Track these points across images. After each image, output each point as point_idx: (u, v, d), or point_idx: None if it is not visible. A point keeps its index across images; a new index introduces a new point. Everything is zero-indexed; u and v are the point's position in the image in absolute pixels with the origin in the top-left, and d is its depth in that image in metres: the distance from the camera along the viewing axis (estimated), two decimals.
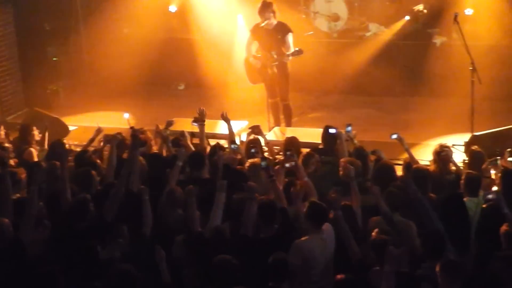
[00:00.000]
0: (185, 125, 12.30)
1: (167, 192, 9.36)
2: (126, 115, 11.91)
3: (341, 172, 9.66)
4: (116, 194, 9.03)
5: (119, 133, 11.41)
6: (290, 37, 13.59)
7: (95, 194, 9.42)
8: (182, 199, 9.18)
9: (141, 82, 16.56)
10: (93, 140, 11.91)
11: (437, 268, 7.17)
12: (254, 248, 8.28)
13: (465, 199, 9.17)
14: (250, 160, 10.26)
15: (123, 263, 7.91)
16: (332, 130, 11.01)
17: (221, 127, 13.12)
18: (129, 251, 8.34)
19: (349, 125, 11.21)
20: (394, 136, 10.89)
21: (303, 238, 8.13)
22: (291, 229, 8.56)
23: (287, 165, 9.65)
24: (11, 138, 12.66)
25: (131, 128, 11.36)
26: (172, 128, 12.08)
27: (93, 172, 9.98)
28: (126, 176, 9.47)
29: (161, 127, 11.89)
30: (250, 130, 11.84)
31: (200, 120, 11.72)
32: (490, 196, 8.68)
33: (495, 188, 9.44)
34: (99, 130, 11.99)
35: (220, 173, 9.80)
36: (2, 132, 12.48)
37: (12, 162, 11.11)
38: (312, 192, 9.41)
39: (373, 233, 8.02)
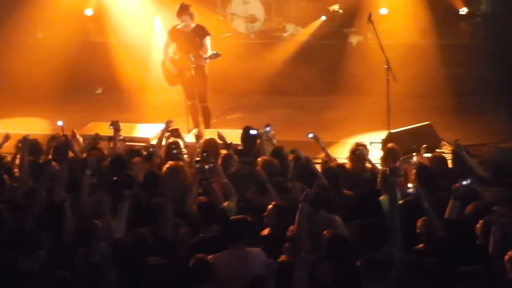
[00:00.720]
0: (103, 129, 12.16)
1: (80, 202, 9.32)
2: (60, 123, 11.67)
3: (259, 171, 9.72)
4: (34, 203, 8.97)
5: (28, 136, 11.30)
6: (208, 40, 13.59)
7: (13, 203, 9.32)
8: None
9: (58, 87, 16.36)
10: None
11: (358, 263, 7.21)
12: (195, 249, 8.18)
13: (382, 196, 9.29)
14: (168, 163, 10.23)
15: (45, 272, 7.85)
16: (253, 131, 11.07)
17: (138, 131, 13.11)
18: (49, 260, 8.22)
19: (267, 125, 11.24)
20: (310, 135, 10.99)
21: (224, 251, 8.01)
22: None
23: (206, 167, 9.65)
24: None
25: (64, 135, 11.30)
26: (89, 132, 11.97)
27: (5, 176, 9.89)
28: (45, 183, 9.43)
29: (77, 131, 11.80)
30: (169, 133, 11.81)
31: (116, 124, 11.69)
32: (410, 191, 8.77)
33: (410, 185, 9.56)
34: (6, 137, 11.76)
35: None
36: None
37: None
38: (231, 192, 9.48)
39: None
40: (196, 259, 7.63)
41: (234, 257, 7.91)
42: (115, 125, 11.66)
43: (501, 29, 15.28)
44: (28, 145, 10.63)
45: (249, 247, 8.05)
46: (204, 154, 9.99)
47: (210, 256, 7.76)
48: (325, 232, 7.80)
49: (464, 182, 8.32)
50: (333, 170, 9.95)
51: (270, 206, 8.60)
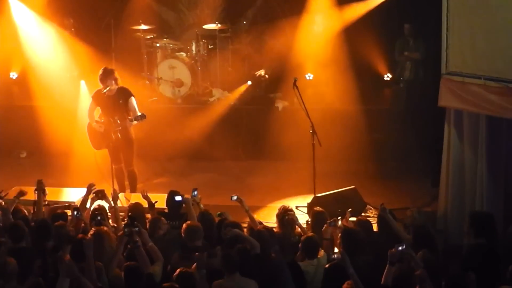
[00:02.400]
0: (29, 193, 11.98)
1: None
2: None
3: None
4: None
5: None
6: (133, 101, 13.56)
7: None
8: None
9: None
10: None
11: None
12: None
13: (304, 262, 9.32)
14: (94, 228, 10.13)
15: None
16: (178, 197, 11.06)
17: (62, 195, 12.99)
18: None
19: (194, 189, 11.28)
20: (234, 198, 11.06)
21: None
22: None
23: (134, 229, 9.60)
24: None
25: None
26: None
27: None
28: None
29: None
30: (94, 194, 11.71)
31: (40, 188, 11.58)
32: (334, 256, 8.81)
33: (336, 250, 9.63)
34: None
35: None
36: None
37: None
38: (157, 256, 9.42)
39: None
40: None
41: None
42: (40, 185, 11.59)
43: (422, 96, 15.52)
44: None
45: None
46: (130, 217, 9.97)
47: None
48: None
49: (400, 248, 8.40)
50: (260, 232, 9.95)
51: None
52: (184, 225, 9.93)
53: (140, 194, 12.60)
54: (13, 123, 16.78)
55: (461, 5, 11.66)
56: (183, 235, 9.70)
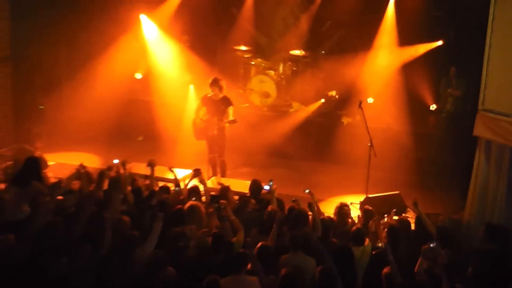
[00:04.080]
0: (141, 168, 12.32)
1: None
2: (116, 161, 11.80)
3: (265, 217, 9.84)
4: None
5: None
6: (230, 110, 13.70)
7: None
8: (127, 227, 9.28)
9: (108, 132, 16.46)
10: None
11: None
12: (202, 270, 8.26)
13: (353, 247, 9.40)
14: (189, 202, 10.35)
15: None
16: (266, 187, 11.15)
17: (168, 173, 13.19)
18: (88, 265, 8.28)
19: (270, 180, 11.34)
20: (307, 191, 11.07)
21: (225, 279, 8.06)
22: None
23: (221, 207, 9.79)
24: (2, 166, 12.60)
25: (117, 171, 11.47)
26: (130, 170, 11.99)
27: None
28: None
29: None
30: (193, 172, 11.85)
31: (152, 164, 11.79)
32: (379, 245, 8.87)
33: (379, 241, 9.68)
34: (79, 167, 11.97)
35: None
36: None
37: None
38: (239, 227, 9.60)
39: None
40: (210, 278, 7.71)
41: (234, 282, 7.99)
42: (152, 164, 11.82)
43: (460, 125, 15.42)
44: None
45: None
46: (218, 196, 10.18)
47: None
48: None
49: (431, 245, 8.45)
50: (325, 221, 10.06)
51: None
52: (269, 208, 10.06)
53: (228, 179, 12.83)
54: (135, 113, 17.10)
55: (500, 54, 11.60)
56: (265, 216, 9.82)
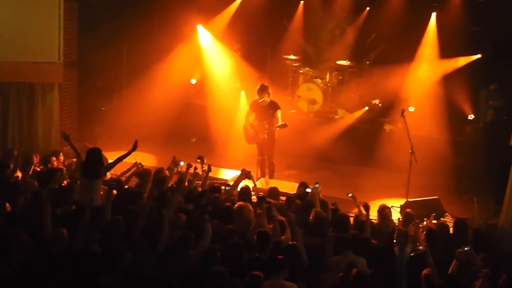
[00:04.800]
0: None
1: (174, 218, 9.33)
2: (182, 163, 11.81)
3: (310, 218, 9.71)
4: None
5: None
6: (279, 113, 13.66)
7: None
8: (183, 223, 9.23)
9: (163, 133, 16.47)
10: (129, 170, 11.94)
11: None
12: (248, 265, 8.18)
13: (395, 248, 9.24)
14: (238, 203, 10.29)
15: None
16: (308, 189, 11.05)
17: (220, 173, 13.16)
18: (145, 259, 8.26)
19: (316, 183, 11.26)
20: (350, 195, 10.96)
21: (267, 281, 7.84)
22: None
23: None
24: (66, 163, 12.66)
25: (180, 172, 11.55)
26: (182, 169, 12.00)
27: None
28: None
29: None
30: (242, 172, 11.81)
31: (202, 158, 11.77)
32: (420, 248, 8.70)
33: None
34: (136, 164, 12.01)
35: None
36: (61, 158, 12.49)
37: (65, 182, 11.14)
38: (286, 227, 9.43)
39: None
40: (253, 274, 7.60)
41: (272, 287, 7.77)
42: (201, 158, 11.80)
43: (496, 135, 15.23)
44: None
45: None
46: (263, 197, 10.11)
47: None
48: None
49: (466, 248, 8.28)
50: (363, 223, 9.93)
51: None
52: (313, 210, 9.95)
53: (276, 181, 12.73)
54: (189, 116, 17.10)
55: None
56: (311, 217, 9.70)
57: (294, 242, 8.61)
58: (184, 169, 11.65)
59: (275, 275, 7.80)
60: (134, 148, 11.14)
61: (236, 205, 10.15)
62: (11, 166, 11.31)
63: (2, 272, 7.41)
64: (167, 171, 11.79)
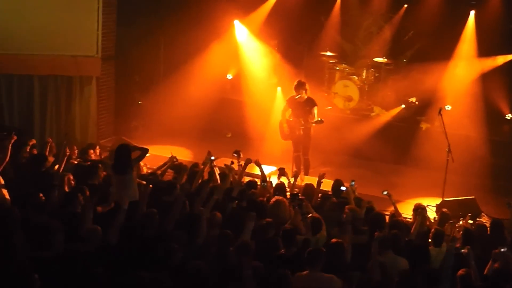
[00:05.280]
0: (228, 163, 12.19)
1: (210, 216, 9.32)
2: (212, 158, 11.82)
3: (344, 215, 9.67)
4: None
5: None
6: (315, 110, 13.62)
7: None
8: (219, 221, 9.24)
9: (199, 127, 16.57)
10: (165, 164, 12.01)
11: None
12: (275, 261, 8.19)
13: (430, 247, 9.17)
14: (274, 198, 10.32)
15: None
16: (343, 187, 11.02)
17: (255, 169, 13.15)
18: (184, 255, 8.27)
19: (353, 180, 11.24)
20: (385, 193, 10.92)
21: (303, 273, 7.82)
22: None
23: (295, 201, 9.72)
24: (102, 156, 12.77)
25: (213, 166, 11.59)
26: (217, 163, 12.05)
27: None
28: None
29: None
30: (278, 170, 11.88)
31: (238, 152, 11.82)
32: (462, 250, 8.57)
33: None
34: (171, 158, 12.10)
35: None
36: (98, 151, 12.59)
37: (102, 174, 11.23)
38: (321, 225, 9.41)
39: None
40: (280, 272, 7.58)
41: (310, 278, 7.78)
42: (238, 152, 11.84)
43: None
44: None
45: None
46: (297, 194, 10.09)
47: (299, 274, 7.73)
48: None
49: (502, 249, 8.19)
50: (398, 222, 9.87)
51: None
52: (347, 207, 9.92)
53: (311, 177, 12.72)
54: (225, 111, 17.16)
55: None
56: (344, 215, 9.66)
57: (339, 240, 8.49)
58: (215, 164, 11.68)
59: (312, 267, 7.79)
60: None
61: (272, 200, 10.19)
62: (49, 158, 11.41)
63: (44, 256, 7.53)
64: (201, 166, 11.82)
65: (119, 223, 8.39)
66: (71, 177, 10.54)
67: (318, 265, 7.83)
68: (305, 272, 7.79)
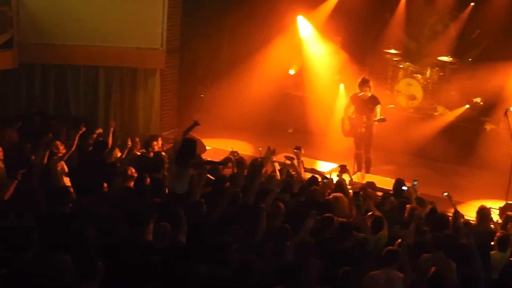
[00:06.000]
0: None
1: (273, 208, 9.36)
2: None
3: (405, 215, 9.61)
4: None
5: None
6: (378, 108, 13.59)
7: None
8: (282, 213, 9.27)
9: (261, 122, 16.61)
10: (226, 158, 12.08)
11: None
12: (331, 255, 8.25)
13: (494, 251, 9.02)
14: (333, 194, 10.32)
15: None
16: (404, 187, 10.94)
17: (316, 166, 13.15)
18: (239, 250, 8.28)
19: (415, 180, 11.14)
20: (445, 194, 10.79)
21: (374, 272, 7.86)
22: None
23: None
24: (164, 148, 12.89)
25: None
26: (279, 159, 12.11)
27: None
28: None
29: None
30: (340, 167, 11.86)
31: (299, 149, 11.89)
32: None
33: None
34: (233, 153, 12.18)
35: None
36: (160, 143, 12.71)
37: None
38: (382, 224, 9.34)
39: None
40: (345, 270, 7.56)
41: (383, 276, 7.81)
42: (298, 148, 11.86)
43: None
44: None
45: None
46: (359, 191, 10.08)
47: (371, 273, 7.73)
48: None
49: None
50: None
51: None
52: (408, 206, 9.85)
53: (372, 175, 12.66)
54: (286, 106, 17.17)
55: None
56: (406, 214, 9.59)
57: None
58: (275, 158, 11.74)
59: (388, 265, 7.84)
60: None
61: (332, 195, 10.19)
62: (111, 147, 11.60)
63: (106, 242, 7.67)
64: (262, 161, 11.85)
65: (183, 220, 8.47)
66: (133, 170, 10.67)
67: (395, 265, 7.87)
68: (378, 271, 7.82)
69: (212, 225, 8.72)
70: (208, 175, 10.54)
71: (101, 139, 11.91)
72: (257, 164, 11.36)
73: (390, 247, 8.16)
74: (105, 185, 9.49)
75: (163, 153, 11.59)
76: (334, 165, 13.22)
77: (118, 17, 14.86)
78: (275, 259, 8.05)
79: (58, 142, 10.71)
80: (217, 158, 12.56)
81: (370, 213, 9.59)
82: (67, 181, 10.21)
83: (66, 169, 10.37)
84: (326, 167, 13.21)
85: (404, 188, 10.91)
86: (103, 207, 8.73)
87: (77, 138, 10.77)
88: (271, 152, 11.81)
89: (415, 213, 9.53)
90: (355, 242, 8.68)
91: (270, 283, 7.24)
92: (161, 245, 7.85)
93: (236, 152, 12.30)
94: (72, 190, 9.02)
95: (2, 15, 13.98)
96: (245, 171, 11.47)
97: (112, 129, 12.35)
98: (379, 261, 8.03)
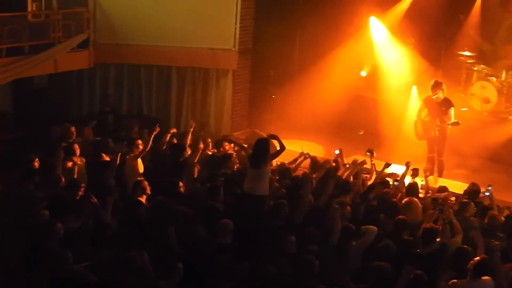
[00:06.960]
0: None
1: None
2: (337, 151, 11.89)
3: (485, 221, 9.46)
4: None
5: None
6: (451, 111, 13.43)
7: None
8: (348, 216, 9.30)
9: (331, 124, 16.56)
10: (296, 160, 12.11)
11: None
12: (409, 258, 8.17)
13: None
14: (406, 198, 10.22)
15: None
16: (486, 193, 10.77)
17: (388, 168, 13.05)
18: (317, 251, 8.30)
19: (489, 185, 10.96)
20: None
21: (459, 282, 7.70)
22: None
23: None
24: (236, 149, 12.96)
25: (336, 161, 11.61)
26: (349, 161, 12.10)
27: None
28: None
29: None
30: (412, 171, 11.76)
31: (371, 151, 11.79)
32: None
33: None
34: (303, 154, 12.19)
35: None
36: (232, 145, 12.80)
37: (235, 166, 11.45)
38: (458, 229, 9.23)
39: None
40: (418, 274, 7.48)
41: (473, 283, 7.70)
42: (371, 151, 11.81)
43: None
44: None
45: None
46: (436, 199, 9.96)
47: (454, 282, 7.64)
48: None
49: None
50: None
51: None
52: (490, 212, 9.71)
53: (444, 179, 12.52)
54: (358, 108, 17.05)
55: None
56: (486, 220, 9.44)
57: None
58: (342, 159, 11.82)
59: (475, 276, 7.69)
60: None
61: (404, 200, 10.11)
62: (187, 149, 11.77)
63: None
64: (333, 163, 11.85)
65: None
66: (199, 168, 10.78)
67: (481, 275, 7.71)
68: (464, 280, 7.68)
69: (293, 227, 8.78)
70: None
71: (174, 139, 12.09)
72: (331, 168, 11.37)
73: (482, 259, 7.95)
74: (181, 184, 9.63)
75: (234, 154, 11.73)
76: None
77: (192, 18, 15.06)
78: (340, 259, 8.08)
79: (139, 141, 10.93)
80: (287, 159, 12.62)
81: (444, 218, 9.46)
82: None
83: (142, 168, 10.55)
84: (398, 170, 13.08)
85: (487, 194, 10.71)
86: (181, 206, 8.87)
87: (152, 138, 10.96)
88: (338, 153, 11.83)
89: (497, 220, 9.36)
90: (435, 247, 8.60)
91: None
92: (225, 242, 8.00)
93: (307, 154, 12.32)
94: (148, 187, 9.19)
95: (79, 16, 14.34)
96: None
97: (191, 129, 12.51)
98: (459, 269, 7.86)
